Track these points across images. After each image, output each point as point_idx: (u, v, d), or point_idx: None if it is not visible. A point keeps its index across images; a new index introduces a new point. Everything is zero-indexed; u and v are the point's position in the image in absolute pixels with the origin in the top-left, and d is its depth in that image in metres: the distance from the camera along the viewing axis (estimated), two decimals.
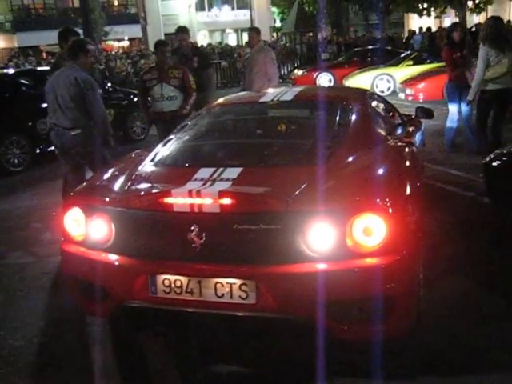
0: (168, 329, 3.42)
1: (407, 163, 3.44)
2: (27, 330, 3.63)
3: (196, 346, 3.28)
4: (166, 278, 2.87)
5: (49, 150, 7.95)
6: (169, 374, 3.07)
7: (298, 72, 19.82)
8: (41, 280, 4.44)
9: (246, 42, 21.50)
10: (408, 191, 2.99)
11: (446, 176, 6.64)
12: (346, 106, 3.93)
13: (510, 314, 3.43)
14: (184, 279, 2.83)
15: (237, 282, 2.74)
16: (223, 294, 2.77)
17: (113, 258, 2.99)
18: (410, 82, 13.26)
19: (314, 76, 18.25)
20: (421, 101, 12.16)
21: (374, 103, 4.48)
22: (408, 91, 12.91)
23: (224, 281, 2.76)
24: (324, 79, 18.15)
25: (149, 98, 6.50)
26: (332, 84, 17.83)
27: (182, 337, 3.36)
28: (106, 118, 5.26)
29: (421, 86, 12.75)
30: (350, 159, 3.21)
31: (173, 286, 2.86)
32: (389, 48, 18.90)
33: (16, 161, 8.65)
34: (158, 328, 3.48)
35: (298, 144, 3.59)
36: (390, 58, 16.46)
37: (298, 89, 4.68)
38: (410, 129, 5.12)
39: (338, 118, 3.76)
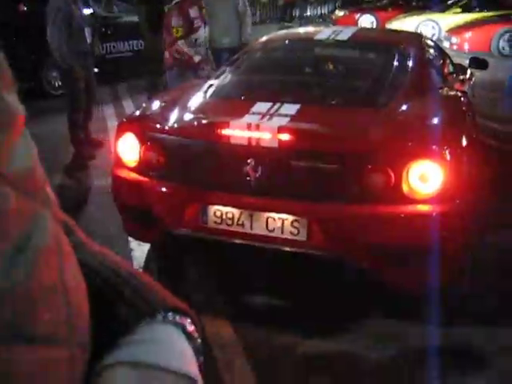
0: (216, 259, 3.49)
1: (464, 113, 3.39)
2: None
3: (245, 278, 3.36)
4: (217, 209, 2.91)
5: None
6: (214, 302, 3.16)
7: (340, 12, 19.26)
8: (82, 203, 4.54)
9: None
10: (464, 141, 2.95)
11: (492, 130, 6.50)
12: (403, 50, 3.85)
13: None
14: (236, 211, 2.87)
15: (289, 217, 2.77)
16: (274, 229, 2.81)
17: (165, 185, 3.04)
18: (456, 30, 12.82)
19: (356, 17, 17.72)
20: (466, 51, 11.79)
21: (429, 49, 4.37)
22: (454, 40, 12.49)
23: (276, 216, 2.80)
24: (366, 21, 17.64)
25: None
26: (375, 27, 17.34)
27: (227, 268, 3.44)
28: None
29: (468, 35, 12.32)
30: (409, 104, 3.16)
31: (224, 217, 2.90)
32: None
33: (57, 84, 8.66)
34: (205, 257, 3.55)
35: (356, 85, 3.54)
36: (437, 2, 15.89)
37: (353, 29, 4.57)
38: (462, 78, 5.01)
39: (395, 62, 3.68)
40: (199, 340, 0.58)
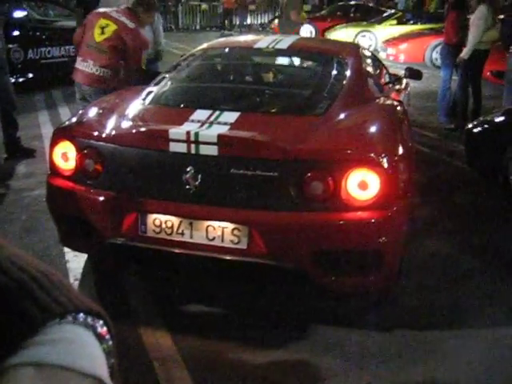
0: (154, 269, 3.43)
1: (400, 122, 3.46)
2: None
3: (180, 287, 3.32)
4: (156, 218, 2.86)
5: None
6: (153, 313, 3.10)
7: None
8: (14, 214, 4.38)
9: None
10: (401, 149, 3.02)
11: (425, 139, 6.72)
12: (341, 60, 3.91)
13: (482, 273, 3.56)
14: (175, 220, 2.83)
15: (229, 226, 2.75)
16: (214, 238, 2.79)
17: (103, 194, 2.96)
18: (392, 41, 13.23)
19: None
20: (401, 62, 12.17)
21: (367, 59, 4.46)
22: (389, 51, 12.89)
23: (216, 224, 2.77)
24: (305, 31, 17.88)
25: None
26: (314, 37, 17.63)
27: (170, 278, 3.39)
28: None
29: (403, 46, 12.73)
30: (346, 113, 3.21)
31: (163, 226, 2.85)
32: (372, 5, 18.74)
33: None
34: (143, 267, 3.49)
35: (295, 93, 3.57)
36: (374, 15, 16.33)
37: (292, 38, 4.61)
38: (398, 87, 5.14)
39: (333, 71, 3.74)
40: (111, 342, 0.57)
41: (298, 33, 8.52)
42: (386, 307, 3.17)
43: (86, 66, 4.71)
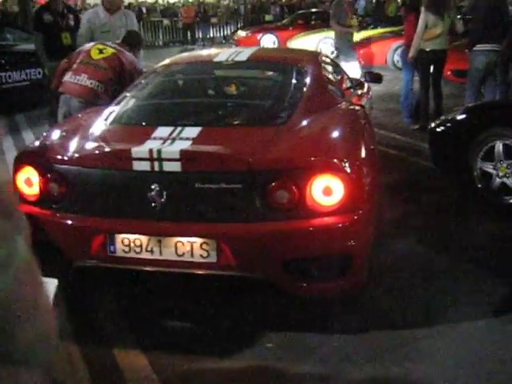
0: (126, 288, 3.40)
1: (362, 126, 3.51)
2: None
3: (155, 305, 3.30)
4: (125, 237, 2.85)
5: None
6: (126, 333, 3.08)
7: (242, 33, 19.61)
8: None
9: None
10: (364, 153, 3.06)
11: (391, 140, 6.81)
12: (300, 68, 3.95)
13: (451, 271, 3.60)
14: (144, 238, 2.82)
15: (197, 240, 2.76)
16: (184, 253, 2.79)
17: (69, 217, 2.94)
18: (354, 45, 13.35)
19: (258, 38, 18.13)
20: (364, 65, 12.31)
21: (326, 65, 4.52)
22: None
23: (185, 240, 2.77)
24: (268, 41, 18.06)
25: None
26: (276, 46, 17.77)
27: (141, 296, 3.37)
28: None
29: (364, 50, 12.88)
30: (308, 120, 3.24)
31: (132, 245, 2.85)
32: None
33: None
34: (115, 287, 3.46)
35: (255, 104, 3.60)
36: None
37: (251, 49, 4.65)
38: (360, 92, 5.21)
39: (293, 80, 3.78)
40: None
41: (349, 40, 9.36)
42: (359, 310, 3.19)
43: (78, 80, 4.86)
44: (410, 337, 2.94)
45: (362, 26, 15.40)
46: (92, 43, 5.21)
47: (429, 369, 2.68)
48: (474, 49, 6.63)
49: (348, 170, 2.75)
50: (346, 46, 9.20)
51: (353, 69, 7.96)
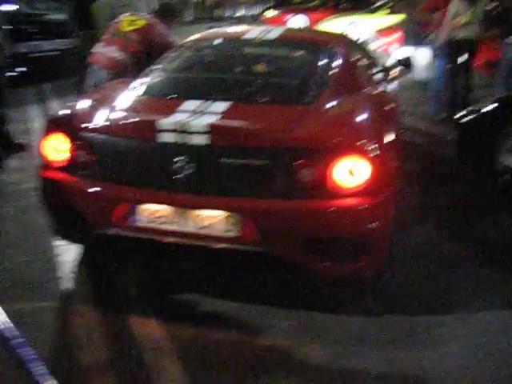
0: (146, 258, 3.45)
1: (389, 110, 3.50)
2: None
3: (174, 277, 3.35)
4: (148, 208, 2.89)
5: None
6: (144, 303, 3.13)
7: (271, 13, 19.44)
8: (3, 208, 4.39)
9: None
10: (389, 138, 3.05)
11: (415, 128, 6.75)
12: (330, 50, 3.92)
13: (470, 261, 3.60)
14: (167, 209, 2.86)
15: (221, 214, 2.78)
16: (206, 226, 2.82)
17: (94, 184, 2.98)
18: (383, 31, 13.19)
19: (288, 18, 17.94)
20: (394, 52, 12.15)
21: (355, 48, 4.49)
22: (382, 40, 12.82)
23: (208, 213, 2.80)
24: (298, 22, 17.86)
25: None
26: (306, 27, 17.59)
27: (160, 268, 3.42)
28: None
29: (395, 36, 12.70)
30: (335, 101, 3.23)
31: (155, 215, 2.88)
32: None
33: None
34: (136, 257, 3.51)
35: (283, 83, 3.59)
36: (367, 4, 16.28)
37: (281, 29, 4.62)
38: (388, 77, 5.16)
39: (322, 61, 3.76)
40: None
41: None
42: (375, 294, 3.20)
43: (108, 51, 4.92)
44: (426, 324, 2.95)
45: (394, 11, 15.21)
46: (125, 14, 5.22)
47: (444, 357, 2.68)
48: (506, 40, 6.52)
49: (372, 153, 2.75)
50: (414, 33, 8.97)
51: (423, 55, 7.82)
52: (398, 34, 12.61)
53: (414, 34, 8.91)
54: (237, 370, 2.61)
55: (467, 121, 5.03)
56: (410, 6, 8.80)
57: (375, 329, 2.91)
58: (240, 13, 23.62)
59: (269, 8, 21.64)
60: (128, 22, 5.00)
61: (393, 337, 2.84)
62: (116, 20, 5.20)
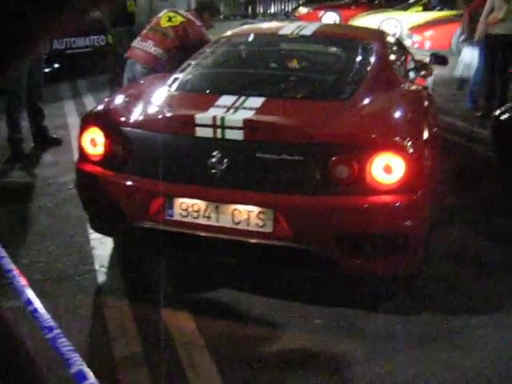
0: (180, 253, 3.47)
1: (425, 107, 3.45)
2: (32, 249, 3.63)
3: (207, 272, 3.36)
4: (183, 202, 2.91)
5: None
6: (177, 297, 3.15)
7: (303, 10, 19.39)
8: (41, 201, 4.46)
9: None
10: (426, 134, 3.01)
11: (451, 126, 6.65)
12: (366, 46, 3.90)
13: (505, 263, 3.52)
14: (202, 204, 2.87)
15: (255, 209, 2.79)
16: (240, 221, 2.82)
17: (130, 178, 3.01)
18: (417, 28, 13.05)
19: (320, 15, 17.87)
20: (427, 49, 12.02)
21: (392, 44, 4.44)
22: (415, 38, 12.72)
23: (242, 208, 2.81)
24: (330, 19, 17.78)
25: None
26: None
27: (194, 262, 3.44)
28: None
29: (428, 33, 12.57)
30: (371, 98, 3.21)
31: (190, 209, 2.90)
32: None
33: None
34: (170, 251, 3.53)
35: (319, 79, 3.58)
36: (399, 1, 16.13)
37: (316, 24, 4.60)
38: (424, 73, 5.10)
39: (358, 56, 3.73)
40: None
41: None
42: (410, 293, 3.16)
43: (144, 46, 5.01)
44: (461, 325, 2.90)
45: (427, 8, 15.03)
46: (165, 10, 5.28)
47: (478, 359, 2.63)
48: None
49: (409, 150, 2.72)
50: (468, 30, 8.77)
51: (469, 52, 7.68)
52: (431, 32, 12.47)
53: (467, 31, 8.71)
54: (268, 366, 2.60)
55: (505, 118, 4.93)
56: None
57: (407, 328, 2.87)
58: (272, 10, 23.60)
59: (300, 5, 21.60)
60: (166, 17, 5.06)
61: (425, 337, 2.80)
62: (156, 16, 5.26)
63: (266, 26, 5.16)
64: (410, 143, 2.75)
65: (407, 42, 13.11)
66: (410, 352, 2.69)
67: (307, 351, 2.71)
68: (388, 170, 2.70)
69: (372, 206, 2.71)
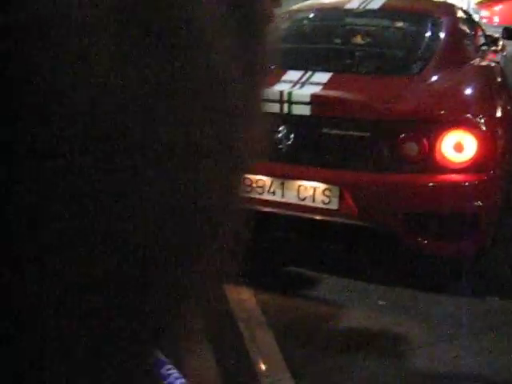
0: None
1: (498, 83, 3.33)
2: None
3: (269, 249, 3.37)
4: (248, 177, 2.89)
5: None
6: (239, 274, 3.16)
7: None
8: None
9: None
10: (499, 112, 2.91)
11: None
12: (435, 20, 3.76)
13: None
14: (267, 179, 2.87)
15: (320, 186, 2.77)
16: (305, 198, 2.81)
17: None
18: (485, 3, 12.55)
19: None
20: (495, 24, 11.54)
21: (462, 19, 4.28)
22: (483, 13, 12.23)
23: (308, 184, 2.79)
24: None
25: None
26: None
27: (257, 239, 3.45)
28: None
29: (497, 8, 12.06)
30: (442, 73, 3.11)
31: (255, 185, 2.90)
32: None
33: None
34: None
35: (387, 54, 3.50)
36: None
37: None
38: (495, 49, 4.92)
39: (428, 31, 3.61)
40: None
41: None
42: (477, 275, 3.07)
43: None
44: None
45: None
46: None
47: None
48: None
49: (481, 127, 2.64)
50: None
51: None
52: (500, 6, 11.97)
53: None
54: (328, 347, 2.58)
55: None
56: None
57: (473, 312, 2.79)
58: None
59: None
60: None
61: (490, 323, 2.72)
62: None
63: (332, 0, 5.06)
64: (482, 120, 2.67)
65: (475, 18, 12.64)
66: (477, 338, 2.61)
67: (369, 333, 2.68)
68: (459, 147, 2.62)
69: (441, 184, 2.65)
